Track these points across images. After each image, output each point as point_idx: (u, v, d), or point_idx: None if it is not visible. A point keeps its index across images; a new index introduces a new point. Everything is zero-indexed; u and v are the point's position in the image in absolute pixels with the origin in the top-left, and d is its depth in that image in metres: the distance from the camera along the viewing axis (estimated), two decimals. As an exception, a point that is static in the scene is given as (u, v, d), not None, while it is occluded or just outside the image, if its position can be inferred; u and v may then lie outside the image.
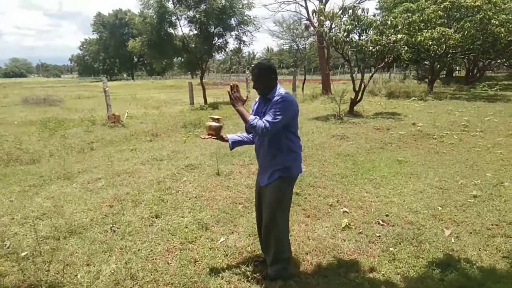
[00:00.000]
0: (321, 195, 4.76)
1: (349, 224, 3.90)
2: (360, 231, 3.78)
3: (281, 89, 2.75)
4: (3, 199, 4.78)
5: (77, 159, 6.84)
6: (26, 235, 3.71)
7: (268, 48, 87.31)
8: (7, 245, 3.52)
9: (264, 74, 2.72)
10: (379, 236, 3.67)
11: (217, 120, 2.89)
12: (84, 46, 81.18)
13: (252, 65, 3.11)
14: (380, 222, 3.98)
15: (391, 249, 3.40)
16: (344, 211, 4.28)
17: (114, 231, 3.78)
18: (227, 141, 3.01)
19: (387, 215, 4.14)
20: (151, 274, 3.04)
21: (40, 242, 3.48)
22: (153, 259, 3.26)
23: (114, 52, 72.18)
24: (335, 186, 5.08)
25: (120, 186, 5.13)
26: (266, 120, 2.56)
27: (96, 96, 22.28)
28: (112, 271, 3.05)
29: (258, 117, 2.64)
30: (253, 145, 3.05)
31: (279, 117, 2.55)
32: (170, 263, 3.22)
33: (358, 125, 9.40)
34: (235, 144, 3.07)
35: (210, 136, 2.90)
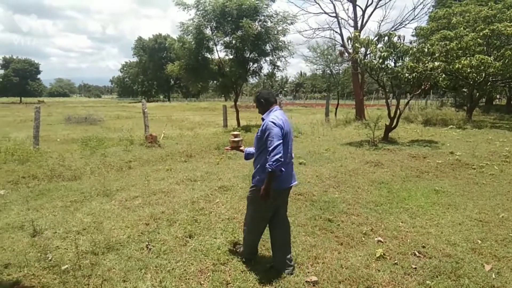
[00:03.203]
0: (354, 222, 4.70)
1: (384, 254, 3.81)
2: (395, 262, 3.69)
3: (273, 114, 3.32)
4: (46, 213, 5.02)
5: (116, 177, 7.11)
6: (67, 249, 3.88)
7: (301, 72, 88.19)
8: (50, 258, 3.68)
9: (256, 101, 3.53)
10: (415, 268, 3.56)
11: (237, 135, 3.80)
12: (125, 68, 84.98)
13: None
14: (417, 253, 3.87)
15: (428, 282, 3.29)
16: (379, 240, 4.19)
17: (150, 249, 3.88)
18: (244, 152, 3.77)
19: (423, 247, 4.02)
20: (184, 294, 3.09)
21: (80, 257, 3.63)
22: (186, 279, 3.32)
23: (153, 75, 75.06)
24: (369, 214, 5.00)
25: (156, 205, 5.28)
26: (270, 152, 3.11)
27: (134, 116, 23.15)
28: (147, 289, 3.12)
29: (260, 163, 3.33)
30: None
31: (272, 142, 3.12)
32: (203, 284, 3.26)
33: (393, 152, 9.24)
34: (249, 155, 3.70)
35: (231, 148, 3.83)
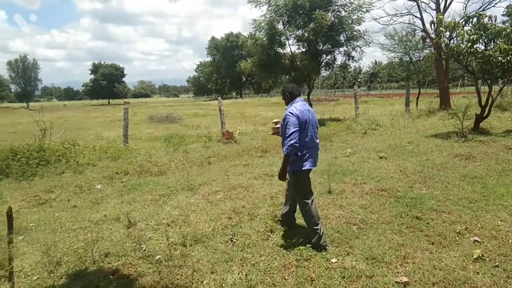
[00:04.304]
0: (446, 221, 4.35)
1: (482, 255, 3.48)
2: (496, 263, 3.35)
3: (293, 106, 3.80)
4: (138, 206, 5.43)
5: (198, 172, 7.45)
6: (159, 240, 4.15)
7: (375, 61, 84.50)
8: (144, 248, 3.97)
9: (282, 94, 4.11)
10: (521, 271, 3.20)
11: (278, 122, 4.31)
12: (199, 68, 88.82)
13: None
14: (521, 255, 3.48)
15: (537, 288, 2.94)
16: (475, 240, 3.84)
17: (234, 242, 3.99)
18: None
19: (529, 248, 3.60)
20: (270, 288, 3.12)
21: (171, 248, 3.85)
22: (271, 274, 3.35)
23: (225, 73, 77.40)
24: (462, 212, 4.60)
25: (237, 199, 5.42)
26: (286, 138, 3.63)
27: (210, 114, 24.04)
28: (234, 281, 3.21)
29: (284, 146, 3.70)
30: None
31: (289, 130, 3.62)
32: (287, 279, 3.27)
33: (486, 144, 8.39)
34: None
35: (273, 134, 4.53)
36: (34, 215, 5.37)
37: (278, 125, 4.20)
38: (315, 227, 3.78)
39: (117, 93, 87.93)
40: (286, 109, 3.84)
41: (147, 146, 11.02)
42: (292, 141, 3.56)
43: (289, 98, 3.94)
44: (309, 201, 3.85)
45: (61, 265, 3.67)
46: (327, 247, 3.77)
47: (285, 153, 3.62)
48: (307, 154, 3.77)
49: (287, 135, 3.61)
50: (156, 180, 6.85)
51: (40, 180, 7.25)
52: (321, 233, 3.77)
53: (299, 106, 3.78)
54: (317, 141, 3.94)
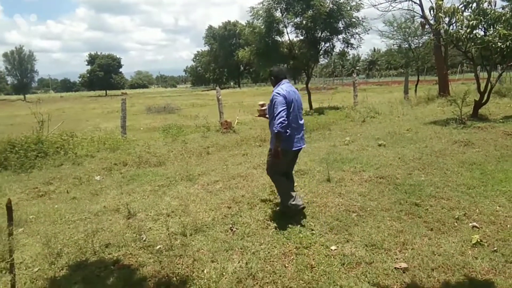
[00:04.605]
0: (444, 207, 4.37)
1: (481, 241, 3.50)
2: (495, 248, 3.38)
3: (279, 87, 4.03)
4: (138, 197, 5.43)
5: (197, 162, 7.45)
6: (159, 230, 4.15)
7: (374, 49, 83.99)
8: (144, 239, 3.98)
9: (269, 77, 4.41)
10: (519, 256, 3.23)
11: (263, 105, 4.94)
12: (197, 57, 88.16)
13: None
14: (519, 240, 3.50)
15: (535, 272, 2.96)
16: (474, 226, 3.86)
17: (234, 231, 4.01)
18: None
19: (527, 233, 3.62)
20: (270, 276, 3.14)
21: (171, 238, 3.86)
22: (271, 261, 3.37)
23: (223, 62, 76.87)
24: (460, 198, 4.61)
25: (236, 189, 5.42)
26: (275, 117, 3.81)
27: (208, 104, 23.93)
28: (234, 270, 3.23)
29: (272, 127, 3.89)
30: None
31: (277, 109, 3.82)
32: (287, 266, 3.29)
33: (484, 130, 8.39)
34: None
35: (259, 116, 5.07)
36: (34, 207, 5.37)
37: (264, 107, 4.46)
38: (288, 197, 4.14)
39: (114, 84, 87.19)
40: (273, 91, 4.03)
41: (146, 137, 11.01)
42: (281, 119, 3.76)
43: (274, 81, 4.18)
44: (280, 175, 4.22)
45: (62, 256, 3.68)
46: (302, 205, 4.14)
47: (275, 131, 3.79)
48: (293, 134, 4.02)
49: (275, 114, 3.81)
50: (155, 171, 6.85)
51: (39, 172, 7.24)
52: (294, 195, 4.14)
53: (285, 87, 4.01)
54: (302, 122, 4.18)
